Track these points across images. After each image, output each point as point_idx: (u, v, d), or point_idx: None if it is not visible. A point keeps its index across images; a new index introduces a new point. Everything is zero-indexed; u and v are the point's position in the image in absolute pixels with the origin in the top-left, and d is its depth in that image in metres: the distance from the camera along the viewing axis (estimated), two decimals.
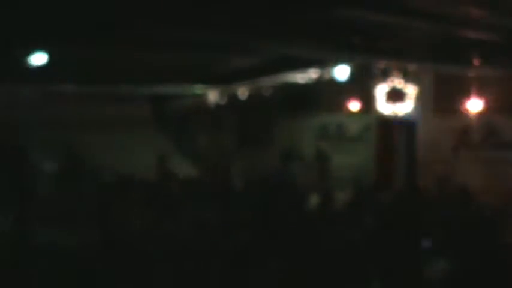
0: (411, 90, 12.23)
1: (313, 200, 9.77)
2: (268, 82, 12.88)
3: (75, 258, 6.83)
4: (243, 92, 14.24)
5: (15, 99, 12.41)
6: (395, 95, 12.43)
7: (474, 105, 11.37)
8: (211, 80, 13.79)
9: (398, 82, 12.05)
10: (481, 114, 11.30)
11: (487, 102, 11.21)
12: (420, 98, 12.32)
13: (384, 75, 11.87)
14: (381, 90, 12.78)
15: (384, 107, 12.91)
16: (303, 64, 10.94)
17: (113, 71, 11.56)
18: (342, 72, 10.73)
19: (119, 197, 9.79)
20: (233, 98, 14.72)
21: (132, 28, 7.04)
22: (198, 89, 14.32)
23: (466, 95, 11.48)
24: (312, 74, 11.49)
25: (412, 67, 11.36)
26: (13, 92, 12.09)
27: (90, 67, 10.98)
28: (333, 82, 11.07)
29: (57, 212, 9.87)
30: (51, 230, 8.48)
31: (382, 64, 10.89)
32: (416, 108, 12.39)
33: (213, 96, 14.96)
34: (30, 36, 7.20)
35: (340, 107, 14.69)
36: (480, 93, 11.26)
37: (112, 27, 6.95)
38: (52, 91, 12.42)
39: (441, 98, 12.21)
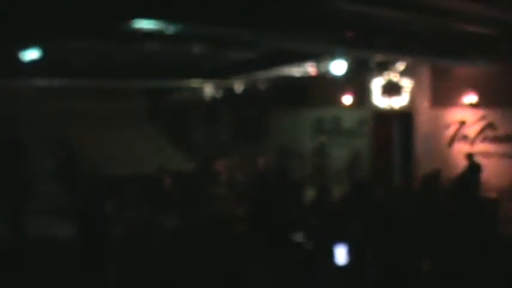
0: (407, 84, 12.26)
1: (310, 193, 9.78)
2: (265, 76, 12.86)
3: (71, 251, 6.85)
4: (239, 85, 14.23)
5: (12, 93, 12.38)
6: (391, 89, 12.46)
7: (470, 98, 11.39)
8: (208, 74, 13.76)
9: (394, 75, 12.07)
10: (477, 108, 11.31)
11: (483, 96, 11.22)
12: (416, 92, 12.34)
13: (380, 69, 11.88)
14: (376, 84, 12.81)
15: (380, 100, 12.94)
16: (299, 58, 10.93)
17: (108, 65, 11.52)
18: (338, 66, 10.70)
19: (115, 191, 9.78)
20: (229, 92, 14.71)
21: (127, 22, 7.02)
22: (194, 82, 14.29)
23: (462, 88, 11.49)
24: (308, 68, 11.48)
25: (408, 61, 11.36)
26: (9, 86, 12.04)
27: (86, 61, 10.94)
28: (329, 76, 11.05)
29: (54, 206, 9.89)
30: (48, 223, 8.49)
31: (378, 58, 10.88)
32: (412, 101, 12.42)
33: (209, 90, 14.93)
34: (25, 31, 7.17)
35: (336, 101, 14.70)
36: (476, 87, 11.28)
37: (109, 21, 6.94)
38: (47, 86, 12.37)
39: (437, 91, 12.21)
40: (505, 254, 6.42)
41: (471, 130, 11.45)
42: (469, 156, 10.48)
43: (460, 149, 11.48)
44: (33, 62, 8.23)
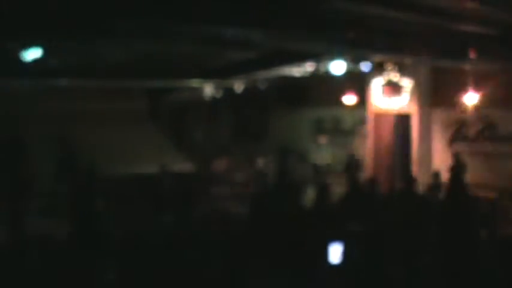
0: (407, 84, 12.25)
1: (309, 192, 9.79)
2: (265, 76, 12.86)
3: (71, 251, 6.85)
4: (239, 85, 14.23)
5: (12, 93, 12.37)
6: (391, 88, 12.44)
7: (470, 98, 11.38)
8: (208, 74, 13.76)
9: (394, 75, 12.06)
10: (477, 108, 11.31)
11: (483, 96, 11.21)
12: (416, 91, 12.34)
13: (380, 69, 11.88)
14: (376, 84, 12.80)
15: (380, 100, 12.93)
16: (299, 58, 10.92)
17: (108, 64, 11.52)
18: (337, 66, 10.70)
19: (115, 191, 9.80)
20: (229, 92, 14.71)
21: (128, 21, 7.02)
22: (194, 82, 14.29)
23: (462, 88, 11.49)
24: (307, 68, 11.47)
25: (408, 60, 11.36)
26: (9, 85, 12.04)
27: (86, 60, 10.94)
28: (328, 75, 11.04)
29: (54, 206, 9.89)
30: (48, 223, 8.50)
31: (378, 57, 10.88)
32: (412, 101, 12.41)
33: (209, 90, 14.93)
34: (25, 30, 7.17)
35: (336, 101, 14.69)
36: (476, 87, 11.27)
37: (109, 20, 6.93)
38: (48, 85, 12.37)
39: (437, 91, 12.20)
40: (504, 254, 6.43)
41: (471, 130, 11.45)
42: (455, 156, 10.43)
43: (460, 149, 11.46)
44: (32, 61, 8.22)
